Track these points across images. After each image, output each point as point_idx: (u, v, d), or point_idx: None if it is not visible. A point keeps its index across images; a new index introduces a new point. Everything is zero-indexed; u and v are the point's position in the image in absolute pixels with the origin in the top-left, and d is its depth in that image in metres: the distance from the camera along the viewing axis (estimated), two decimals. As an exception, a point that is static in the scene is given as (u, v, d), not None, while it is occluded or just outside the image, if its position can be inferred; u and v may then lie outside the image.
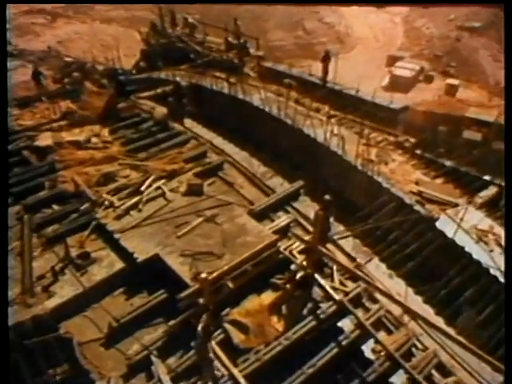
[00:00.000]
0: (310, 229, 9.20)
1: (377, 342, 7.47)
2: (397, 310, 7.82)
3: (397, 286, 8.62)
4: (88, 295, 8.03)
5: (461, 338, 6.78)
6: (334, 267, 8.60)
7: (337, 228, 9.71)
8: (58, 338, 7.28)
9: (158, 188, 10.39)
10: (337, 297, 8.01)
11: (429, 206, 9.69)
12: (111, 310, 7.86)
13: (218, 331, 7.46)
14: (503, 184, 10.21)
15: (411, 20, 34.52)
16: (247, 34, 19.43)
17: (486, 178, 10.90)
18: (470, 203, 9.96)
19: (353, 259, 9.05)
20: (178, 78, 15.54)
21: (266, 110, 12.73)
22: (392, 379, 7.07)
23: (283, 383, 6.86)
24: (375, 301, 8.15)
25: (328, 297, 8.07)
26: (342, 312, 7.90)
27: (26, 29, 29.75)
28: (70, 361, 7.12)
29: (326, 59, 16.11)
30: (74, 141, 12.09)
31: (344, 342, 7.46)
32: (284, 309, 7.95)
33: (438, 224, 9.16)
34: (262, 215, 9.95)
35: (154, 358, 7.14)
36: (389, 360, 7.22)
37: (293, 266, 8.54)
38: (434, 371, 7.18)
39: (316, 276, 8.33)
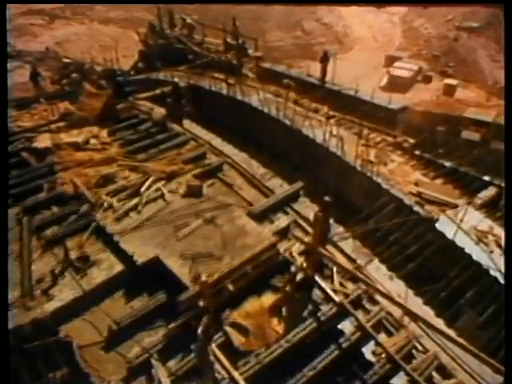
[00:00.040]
0: (310, 230, 9.18)
1: (377, 344, 7.46)
2: (397, 312, 7.80)
3: (397, 287, 8.61)
4: (88, 298, 8.00)
5: (461, 340, 6.77)
6: (334, 269, 8.59)
7: (336, 229, 9.70)
8: (57, 341, 7.23)
9: (158, 189, 10.37)
10: (337, 299, 7.99)
11: (428, 207, 9.69)
12: (111, 312, 7.83)
13: (219, 334, 7.43)
14: (503, 184, 10.22)
15: (409, 20, 34.57)
16: (246, 35, 19.42)
17: (486, 178, 10.90)
18: (470, 204, 9.96)
19: (353, 261, 9.03)
20: (176, 79, 15.52)
21: (265, 110, 12.73)
22: (393, 381, 7.04)
23: (284, 386, 6.85)
24: (375, 302, 8.14)
25: (328, 299, 8.05)
26: (342, 314, 7.87)
27: (24, 30, 29.71)
28: (69, 364, 7.08)
29: (324, 60, 16.11)
30: (72, 142, 12.07)
31: (344, 345, 7.44)
32: (284, 311, 7.93)
33: (437, 225, 9.16)
34: (261, 216, 9.93)
35: (154, 361, 7.11)
36: (389, 362, 7.20)
37: (293, 268, 8.53)
38: (434, 373, 7.16)
39: (316, 278, 8.31)
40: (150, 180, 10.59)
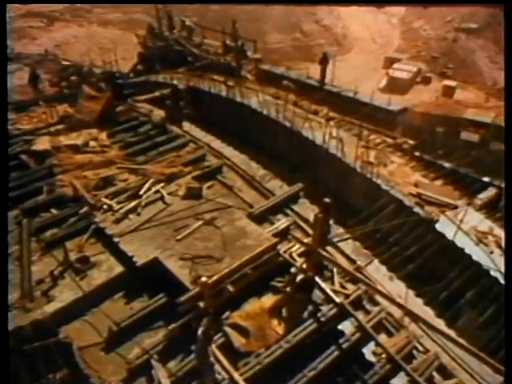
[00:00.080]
0: (310, 231, 9.19)
1: (377, 344, 7.45)
2: (397, 313, 7.80)
3: (397, 288, 8.61)
4: (88, 299, 8.00)
5: (461, 340, 6.77)
6: (335, 270, 8.59)
7: (336, 230, 9.70)
8: (57, 342, 7.23)
9: (157, 192, 10.37)
10: (337, 299, 7.99)
11: (428, 208, 9.69)
12: (111, 314, 7.82)
13: (219, 335, 7.43)
14: (502, 185, 10.24)
15: (408, 21, 34.69)
16: (245, 37, 19.46)
17: (485, 179, 10.92)
18: (470, 205, 9.98)
19: (353, 262, 9.03)
20: (175, 81, 15.55)
21: (265, 112, 12.74)
22: (393, 382, 7.04)
23: (284, 387, 6.84)
24: (376, 303, 8.13)
25: (328, 299, 8.05)
26: (342, 315, 7.87)
27: (22, 32, 29.75)
28: (69, 365, 7.06)
29: (323, 61, 16.15)
30: (71, 145, 12.06)
31: (345, 345, 7.44)
32: (284, 312, 7.92)
33: (437, 226, 9.17)
34: (261, 218, 9.93)
35: (154, 362, 7.10)
36: (390, 362, 7.20)
37: (293, 269, 8.52)
38: (435, 373, 7.16)
39: (316, 279, 8.31)
40: (150, 182, 10.59)
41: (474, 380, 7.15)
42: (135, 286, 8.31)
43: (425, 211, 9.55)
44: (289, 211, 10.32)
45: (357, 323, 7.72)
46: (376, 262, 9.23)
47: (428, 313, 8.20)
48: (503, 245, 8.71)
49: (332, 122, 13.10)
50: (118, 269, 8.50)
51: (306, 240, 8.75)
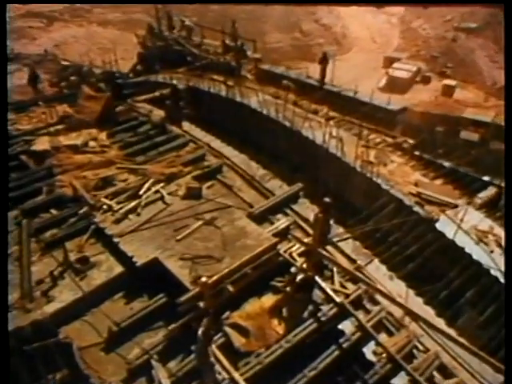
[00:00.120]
0: (310, 231, 9.19)
1: (378, 344, 7.45)
2: (398, 312, 7.80)
3: (397, 287, 8.61)
4: (87, 300, 7.99)
5: (462, 340, 6.76)
6: (335, 269, 8.59)
7: (336, 230, 9.69)
8: (57, 342, 7.22)
9: (157, 192, 10.36)
10: (337, 299, 7.99)
11: (428, 207, 9.69)
12: (111, 314, 7.81)
13: (219, 335, 7.42)
14: (502, 184, 10.23)
15: (407, 21, 34.67)
16: (244, 36, 19.44)
17: (485, 178, 10.92)
18: (470, 204, 9.97)
19: (353, 261, 9.02)
20: (175, 81, 15.53)
21: (264, 112, 12.73)
22: (393, 381, 7.04)
23: (284, 386, 6.84)
24: (376, 303, 8.13)
25: (329, 299, 8.05)
26: (342, 314, 7.87)
27: (22, 32, 29.72)
28: (69, 366, 7.05)
29: (323, 61, 16.14)
30: (71, 145, 12.05)
31: (345, 345, 7.43)
32: (285, 311, 7.92)
33: (437, 225, 9.16)
34: (261, 218, 9.92)
35: (154, 363, 7.09)
36: (390, 362, 7.20)
37: (293, 269, 8.51)
38: (435, 373, 7.15)
39: (316, 278, 8.31)
40: (150, 182, 10.58)
41: (475, 379, 7.14)
42: (135, 287, 8.30)
43: (425, 210, 9.54)
44: (289, 211, 10.31)
45: (357, 323, 7.72)
46: (376, 261, 9.23)
47: (428, 312, 8.19)
48: (503, 244, 8.70)
49: (332, 122, 13.10)
50: (118, 269, 8.49)
51: (306, 240, 8.75)
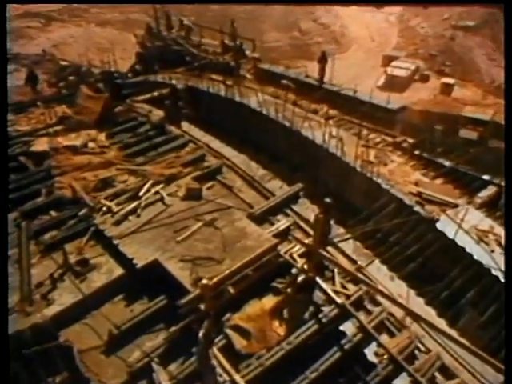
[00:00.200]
0: (310, 232, 9.17)
1: (379, 345, 7.43)
2: (399, 313, 7.78)
3: (398, 288, 8.58)
4: (87, 302, 7.96)
5: (463, 340, 6.76)
6: (335, 270, 8.56)
7: (337, 230, 9.66)
8: (57, 346, 7.20)
9: (157, 193, 10.32)
10: (338, 300, 7.97)
11: (429, 207, 9.67)
12: (111, 316, 7.79)
13: (220, 337, 7.40)
14: (502, 183, 10.22)
15: (406, 19, 34.67)
16: (243, 36, 19.39)
17: (485, 177, 10.90)
18: (470, 203, 9.95)
19: (354, 262, 9.00)
20: (174, 81, 15.47)
21: (264, 112, 12.68)
22: (395, 382, 7.02)
23: (286, 388, 6.82)
24: (377, 303, 8.11)
25: (330, 300, 8.03)
26: (343, 315, 7.85)
27: (20, 32, 29.64)
28: (70, 369, 7.04)
29: (322, 60, 16.10)
30: (70, 146, 12.01)
31: (346, 346, 7.42)
32: (285, 313, 7.89)
33: (438, 225, 9.14)
34: (261, 219, 9.89)
35: (155, 365, 7.08)
36: (392, 363, 7.19)
37: (294, 270, 8.49)
38: (437, 374, 7.14)
39: (317, 279, 8.28)
40: (149, 183, 10.55)
41: (476, 380, 7.13)
42: (135, 289, 8.27)
43: (425, 210, 9.52)
44: (289, 211, 10.28)
45: (358, 324, 7.71)
46: (377, 261, 9.20)
47: (429, 312, 8.17)
48: (504, 243, 8.68)
49: (331, 121, 13.07)
50: (118, 271, 8.46)
51: (306, 240, 8.72)
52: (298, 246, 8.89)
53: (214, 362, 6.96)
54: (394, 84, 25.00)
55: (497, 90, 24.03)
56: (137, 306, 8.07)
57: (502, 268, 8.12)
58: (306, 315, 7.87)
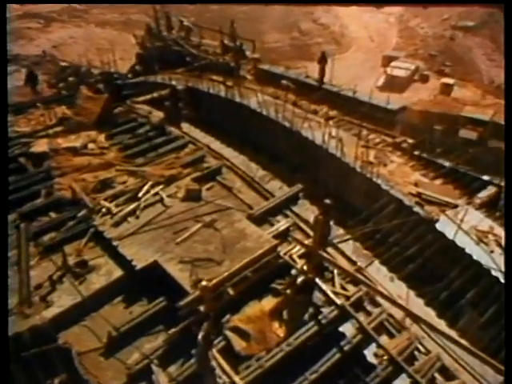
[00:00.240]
0: (310, 233, 9.15)
1: (379, 346, 7.42)
2: (398, 314, 7.76)
3: (398, 288, 8.56)
4: (87, 304, 7.94)
5: (463, 341, 6.75)
6: (335, 271, 8.55)
7: (336, 231, 9.65)
8: (56, 348, 7.18)
9: (156, 194, 10.31)
10: (338, 301, 7.95)
11: (428, 208, 9.65)
12: (110, 318, 7.76)
13: (219, 339, 7.38)
14: (502, 184, 10.20)
15: (405, 20, 34.67)
16: (243, 37, 19.39)
17: (485, 177, 10.89)
18: (470, 204, 9.94)
19: (353, 263, 8.99)
20: (174, 82, 15.46)
21: (264, 112, 12.67)
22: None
23: (286, 390, 6.81)
24: (377, 304, 8.10)
25: (329, 301, 8.01)
26: (343, 316, 7.84)
27: (20, 33, 29.67)
28: (68, 371, 7.00)
29: (322, 60, 16.09)
30: (70, 147, 12.01)
31: (346, 347, 7.40)
32: (285, 314, 7.87)
33: (438, 225, 9.12)
34: (261, 219, 9.88)
35: (154, 367, 7.05)
36: (391, 364, 7.17)
37: (293, 271, 8.48)
38: (437, 375, 7.12)
39: (317, 280, 8.27)
40: (149, 184, 10.53)
41: (476, 381, 7.11)
42: (134, 290, 8.25)
43: (425, 211, 9.51)
44: (289, 212, 10.26)
45: (358, 325, 7.69)
46: (376, 262, 9.18)
47: (429, 313, 8.16)
48: (503, 244, 8.67)
49: (331, 122, 13.06)
50: (117, 273, 8.45)
51: (306, 241, 8.70)
52: (297, 247, 8.88)
53: (213, 363, 6.95)
54: (393, 84, 25.00)
55: (496, 90, 24.03)
56: (136, 307, 8.05)
57: (502, 268, 8.10)
58: (306, 316, 7.85)
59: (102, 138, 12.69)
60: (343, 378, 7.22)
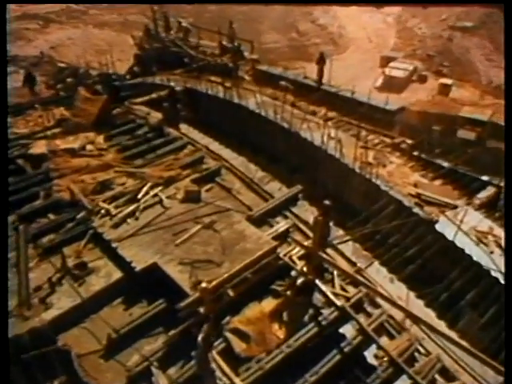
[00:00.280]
0: (310, 234, 9.14)
1: (379, 347, 7.41)
2: (399, 315, 7.76)
3: (398, 290, 8.56)
4: (86, 306, 7.92)
5: (463, 342, 6.75)
6: (335, 272, 8.54)
7: (336, 232, 9.64)
8: (56, 350, 7.15)
9: (155, 195, 10.29)
10: (338, 302, 7.94)
11: (428, 209, 9.66)
12: (110, 320, 7.74)
13: (219, 340, 7.37)
14: (501, 184, 10.22)
15: (403, 20, 34.72)
16: (241, 37, 19.39)
17: (484, 178, 10.90)
18: (469, 204, 9.95)
19: (353, 264, 8.99)
20: (172, 83, 15.44)
21: (262, 113, 12.67)
22: (395, 385, 7.02)
23: (286, 392, 6.80)
24: (377, 306, 8.09)
25: (329, 303, 8.00)
26: (343, 318, 7.83)
27: (18, 34, 29.60)
28: (68, 373, 6.99)
29: (321, 61, 16.10)
30: (68, 148, 11.97)
31: (346, 349, 7.40)
32: (285, 316, 7.86)
33: (437, 226, 9.13)
34: (260, 221, 9.86)
35: (154, 369, 7.04)
36: (392, 366, 7.16)
37: (293, 272, 8.47)
38: (437, 376, 7.12)
39: (317, 282, 8.26)
40: (148, 186, 10.50)
41: (477, 382, 7.12)
42: (134, 292, 8.23)
43: (424, 211, 9.51)
44: (288, 213, 10.25)
45: (358, 326, 7.69)
46: (376, 263, 9.18)
47: (429, 314, 8.16)
48: (503, 244, 8.68)
49: (330, 123, 13.06)
50: (117, 274, 8.42)
51: (305, 243, 8.69)
52: (297, 249, 8.87)
53: (213, 365, 6.93)
54: (391, 85, 25.01)
55: (495, 91, 24.10)
56: (136, 309, 8.03)
57: (502, 269, 8.11)
58: (306, 318, 7.84)
59: (100, 139, 12.65)
60: (343, 380, 7.22)
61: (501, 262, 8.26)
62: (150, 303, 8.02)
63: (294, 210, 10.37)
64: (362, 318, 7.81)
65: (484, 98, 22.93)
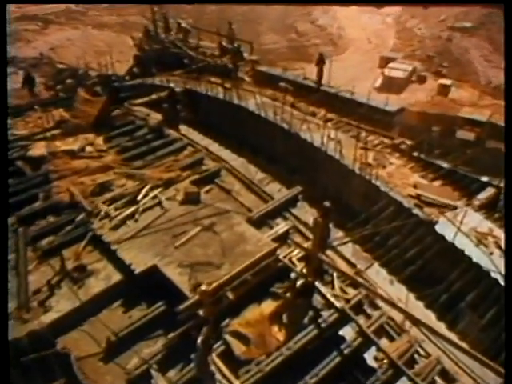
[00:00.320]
0: (309, 235, 9.13)
1: (379, 349, 7.40)
2: (398, 317, 7.75)
3: (398, 291, 8.55)
4: (85, 309, 7.90)
5: (463, 344, 6.74)
6: (335, 274, 8.53)
7: (336, 234, 9.63)
8: (55, 353, 7.14)
9: (155, 197, 10.28)
10: (338, 304, 7.93)
11: (427, 210, 9.65)
12: (109, 323, 7.73)
13: (219, 343, 7.35)
14: (501, 185, 10.21)
15: (403, 21, 34.73)
16: (241, 38, 19.39)
17: (484, 179, 10.89)
18: (469, 205, 9.94)
19: (353, 265, 8.97)
20: (172, 84, 15.44)
21: (262, 114, 12.65)
22: (395, 387, 7.01)
23: (286, 394, 6.79)
24: (376, 307, 8.08)
25: (329, 304, 7.99)
26: (343, 320, 7.82)
27: (17, 35, 29.56)
28: (67, 377, 6.97)
29: (320, 62, 16.09)
30: (68, 150, 11.96)
31: (346, 351, 7.38)
32: (285, 318, 7.85)
33: (437, 227, 9.11)
34: (260, 222, 9.85)
35: (153, 372, 7.02)
36: (391, 367, 7.15)
37: (293, 274, 8.45)
38: (437, 378, 7.11)
39: (316, 283, 8.25)
40: (147, 187, 10.50)
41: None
42: (133, 295, 8.21)
43: (424, 213, 9.50)
44: (288, 215, 10.24)
45: (358, 328, 7.67)
46: (376, 265, 9.16)
47: (429, 316, 8.14)
48: (503, 245, 8.67)
49: (330, 124, 13.05)
50: (116, 277, 8.40)
51: (305, 244, 8.68)
52: (297, 250, 8.85)
53: (213, 368, 6.92)
54: (391, 85, 24.99)
55: (494, 91, 24.10)
56: (135, 312, 8.01)
57: (502, 270, 8.10)
58: (306, 320, 7.83)
59: (99, 140, 12.65)
60: (343, 382, 7.22)
61: (501, 263, 8.25)
62: (150, 306, 8.01)
63: (294, 211, 10.36)
64: (361, 320, 7.80)
65: (483, 98, 22.92)
